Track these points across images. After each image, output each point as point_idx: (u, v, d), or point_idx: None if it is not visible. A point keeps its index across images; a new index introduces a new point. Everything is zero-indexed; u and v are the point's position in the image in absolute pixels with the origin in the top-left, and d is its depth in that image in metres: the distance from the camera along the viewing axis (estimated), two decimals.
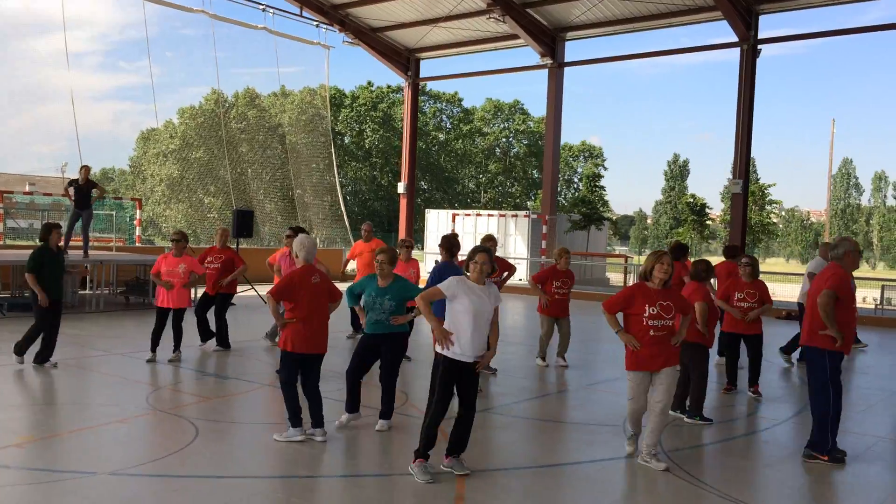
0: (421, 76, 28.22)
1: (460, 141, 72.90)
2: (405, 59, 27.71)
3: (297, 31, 32.89)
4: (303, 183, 28.15)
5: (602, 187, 28.41)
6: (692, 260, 9.49)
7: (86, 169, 14.63)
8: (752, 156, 21.51)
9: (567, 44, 24.85)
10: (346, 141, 68.67)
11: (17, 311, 13.75)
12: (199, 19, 22.27)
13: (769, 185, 32.04)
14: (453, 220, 24.73)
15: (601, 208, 28.40)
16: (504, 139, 76.30)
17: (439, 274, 8.42)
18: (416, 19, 25.02)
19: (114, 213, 19.16)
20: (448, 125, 73.84)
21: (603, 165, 78.70)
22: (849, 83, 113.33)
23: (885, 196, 79.01)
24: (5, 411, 7.19)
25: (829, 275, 6.36)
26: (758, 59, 21.21)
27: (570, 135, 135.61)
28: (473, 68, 77.37)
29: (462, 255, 9.00)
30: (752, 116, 21.28)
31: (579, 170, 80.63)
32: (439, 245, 8.79)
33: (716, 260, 11.62)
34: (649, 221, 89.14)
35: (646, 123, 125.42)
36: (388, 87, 71.43)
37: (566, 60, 24.82)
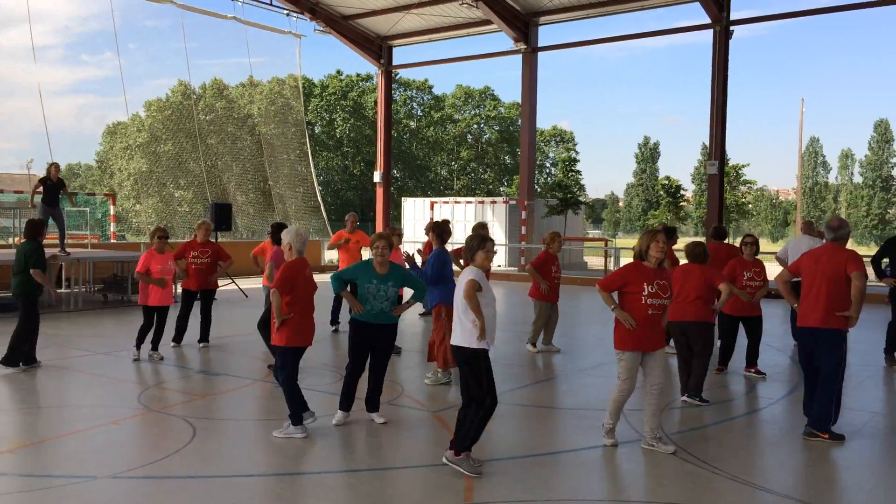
0: (394, 64, 28.01)
1: (431, 128, 72.67)
2: (377, 47, 27.49)
3: (267, 20, 32.41)
4: (277, 174, 27.84)
5: (578, 171, 28.43)
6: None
7: (55, 166, 14.31)
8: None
9: (540, 28, 24.81)
10: (317, 130, 68.06)
11: None
12: (164, 10, 21.86)
13: (743, 166, 32.33)
14: (432, 208, 24.62)
15: (577, 192, 28.39)
16: (475, 126, 76.14)
17: (441, 262, 8.37)
18: (388, 6, 24.81)
19: (87, 209, 18.81)
20: (419, 113, 73.52)
21: (574, 150, 78.91)
22: (813, 63, 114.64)
23: (852, 173, 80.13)
24: None
25: (844, 257, 6.39)
26: (730, 41, 21.36)
27: (542, 120, 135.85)
28: (445, 55, 76.90)
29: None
30: (727, 98, 21.42)
31: (551, 154, 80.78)
32: (431, 231, 8.68)
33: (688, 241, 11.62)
34: (621, 204, 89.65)
35: (614, 107, 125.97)
36: (358, 75, 70.88)
37: (539, 45, 24.76)
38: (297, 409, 6.41)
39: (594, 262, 29.46)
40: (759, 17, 21.88)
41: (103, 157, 58.65)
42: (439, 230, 8.59)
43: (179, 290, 10.89)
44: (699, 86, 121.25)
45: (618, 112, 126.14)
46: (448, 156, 75.65)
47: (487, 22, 24.60)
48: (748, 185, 33.10)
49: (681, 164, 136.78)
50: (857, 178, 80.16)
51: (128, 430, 6.63)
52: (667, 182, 31.95)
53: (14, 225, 20.41)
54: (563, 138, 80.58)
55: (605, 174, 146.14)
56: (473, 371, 5.58)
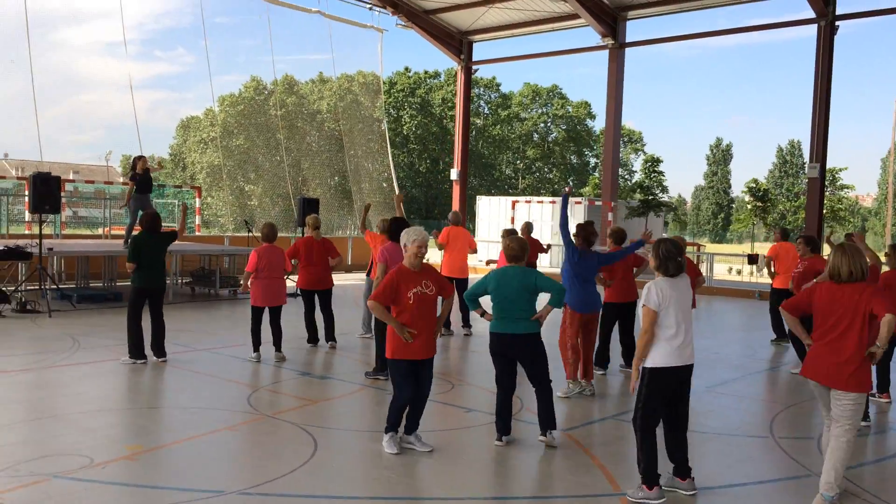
0: (473, 59, 27.49)
1: (498, 126, 72.00)
2: (458, 42, 27.01)
3: (349, 15, 32.03)
4: (358, 169, 27.62)
5: (661, 172, 27.45)
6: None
7: (143, 160, 14.21)
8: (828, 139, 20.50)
9: (627, 23, 23.98)
10: (383, 127, 68.18)
11: (87, 302, 13.38)
12: (237, 6, 21.76)
13: (840, 170, 30.77)
14: (513, 208, 24.04)
15: (660, 194, 27.44)
16: (542, 124, 75.24)
17: (584, 264, 7.89)
18: (472, 0, 24.29)
19: (176, 202, 18.77)
20: (486, 110, 72.93)
21: (643, 150, 77.39)
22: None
23: None
24: (105, 416, 6.69)
25: None
26: (835, 37, 20.23)
27: (605, 119, 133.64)
28: (520, 51, 76.32)
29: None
30: (830, 97, 20.28)
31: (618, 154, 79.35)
32: (577, 236, 8.11)
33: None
34: (688, 207, 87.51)
35: (679, 107, 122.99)
36: (426, 72, 70.77)
37: (627, 41, 23.93)
38: (392, 422, 5.98)
39: None
40: (866, 11, 20.65)
41: (177, 150, 59.63)
42: (585, 232, 8.06)
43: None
44: (773, 85, 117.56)
45: (683, 112, 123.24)
46: (514, 154, 74.97)
47: (573, 17, 23.88)
48: (845, 189, 31.56)
49: (753, 167, 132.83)
50: None
51: (245, 438, 6.24)
52: (754, 185, 30.63)
53: (99, 214, 20.55)
54: (632, 138, 79.06)
55: (670, 176, 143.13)
56: (644, 387, 5.05)
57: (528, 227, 11.97)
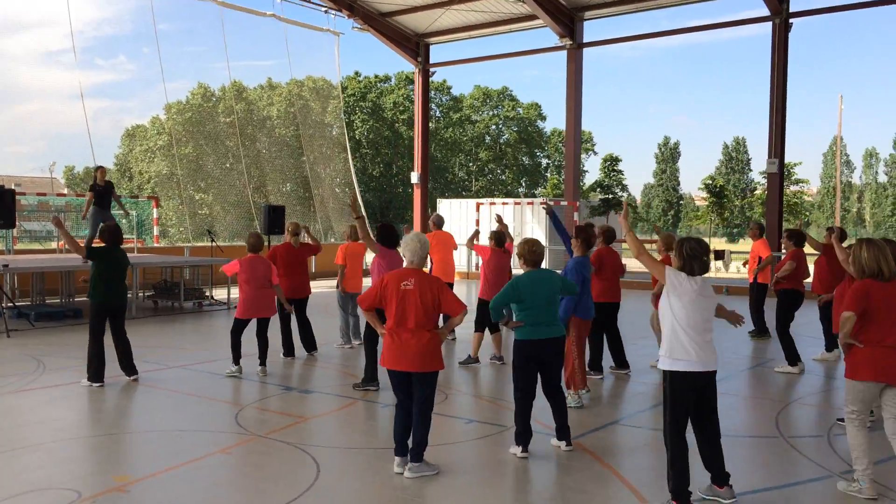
0: (431, 62, 27.25)
1: (450, 129, 71.93)
2: (415, 45, 26.76)
3: (304, 18, 31.60)
4: (319, 175, 27.18)
5: (620, 171, 27.57)
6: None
7: (101, 170, 13.64)
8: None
9: (585, 24, 24.02)
10: (335, 132, 67.53)
11: (45, 320, 12.75)
12: (184, 12, 21.17)
13: (795, 164, 31.33)
14: (478, 210, 23.84)
15: (619, 192, 27.55)
16: (493, 126, 75.45)
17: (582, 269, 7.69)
18: (428, 2, 24.06)
19: (134, 212, 18.08)
20: (438, 113, 72.80)
21: (593, 150, 78.09)
22: (838, 60, 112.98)
23: (876, 173, 79.04)
24: (83, 444, 6.25)
25: None
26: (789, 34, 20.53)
27: (556, 121, 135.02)
28: (478, 53, 76.27)
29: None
30: (786, 94, 20.58)
31: None
32: (575, 237, 7.90)
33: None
34: (638, 204, 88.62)
35: (625, 108, 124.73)
36: (377, 76, 70.33)
37: (585, 41, 23.96)
38: (399, 437, 5.61)
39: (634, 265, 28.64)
40: (818, 8, 21.00)
41: (122, 160, 58.14)
42: (585, 234, 7.85)
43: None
44: (716, 84, 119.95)
45: (629, 112, 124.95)
46: (466, 157, 74.95)
47: (530, 17, 23.83)
48: (802, 183, 32.22)
49: (700, 165, 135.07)
50: (882, 178, 79.07)
51: (241, 461, 5.87)
52: (710, 182, 31.06)
53: (50, 227, 19.70)
54: (582, 138, 79.81)
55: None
56: (668, 396, 4.86)
57: (439, 220, 11.86)
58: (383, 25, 25.46)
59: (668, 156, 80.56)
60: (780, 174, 20.82)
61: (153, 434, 6.58)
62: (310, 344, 10.17)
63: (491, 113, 75.52)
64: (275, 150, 46.51)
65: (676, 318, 4.79)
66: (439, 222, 11.83)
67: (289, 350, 9.96)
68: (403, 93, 71.58)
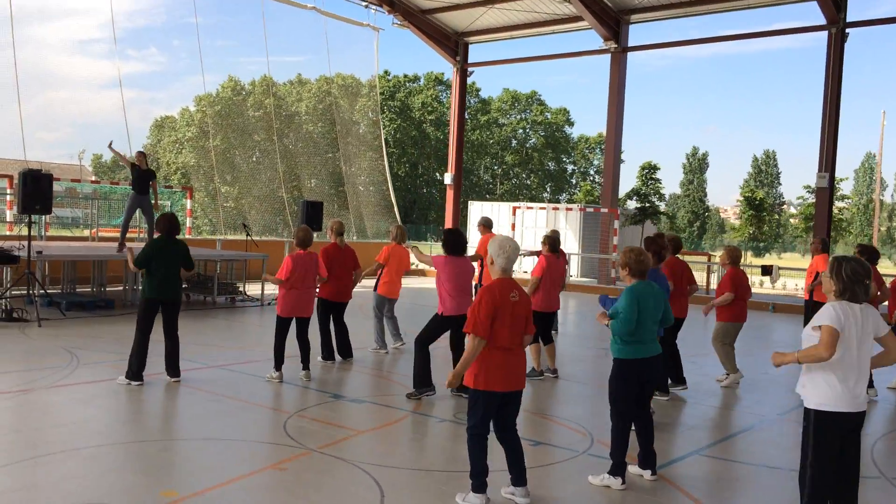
0: (469, 62, 26.75)
1: (477, 131, 71.46)
2: (453, 44, 26.28)
3: (345, 13, 31.14)
4: (354, 171, 26.81)
5: (658, 179, 26.89)
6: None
7: (143, 155, 13.24)
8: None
9: (630, 27, 23.44)
10: (362, 130, 67.30)
11: (77, 310, 12.37)
12: (215, 5, 20.80)
13: (840, 180, 30.45)
14: (514, 213, 23.32)
15: (656, 201, 26.89)
16: (521, 130, 74.95)
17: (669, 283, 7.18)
18: (471, 0, 23.57)
19: (168, 202, 17.70)
20: (466, 115, 72.29)
21: (620, 158, 77.28)
22: (880, 74, 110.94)
23: None
24: (123, 451, 5.79)
25: None
26: (845, 44, 19.84)
27: (584, 126, 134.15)
28: (513, 55, 75.86)
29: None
30: (839, 106, 19.88)
31: (595, 162, 79.30)
32: (646, 249, 7.36)
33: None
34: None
35: (652, 116, 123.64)
36: (405, 76, 70.04)
37: (630, 45, 23.38)
38: (482, 472, 4.96)
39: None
40: (877, 19, 20.29)
41: (150, 151, 58.11)
42: (656, 246, 7.32)
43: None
44: (747, 95, 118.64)
45: (655, 120, 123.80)
46: (492, 160, 74.44)
47: (575, 19, 23.28)
48: (846, 199, 31.39)
49: (724, 178, 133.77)
50: None
51: (299, 479, 5.36)
52: (750, 195, 30.27)
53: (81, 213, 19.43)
54: None
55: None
56: (812, 433, 4.26)
57: (488, 222, 11.27)
58: (423, 22, 25.01)
59: (696, 166, 79.48)
60: (829, 189, 20.12)
61: (199, 443, 6.10)
62: (346, 350, 9.69)
63: (519, 117, 75.04)
64: (301, 146, 46.20)
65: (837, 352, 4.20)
66: (489, 224, 11.27)
67: (329, 353, 9.48)
68: (432, 93, 71.20)
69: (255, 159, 47.76)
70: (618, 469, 5.37)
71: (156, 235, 8.22)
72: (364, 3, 23.84)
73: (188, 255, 8.24)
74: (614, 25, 22.83)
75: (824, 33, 19.92)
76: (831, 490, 4.26)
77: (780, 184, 78.67)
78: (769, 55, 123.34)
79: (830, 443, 4.23)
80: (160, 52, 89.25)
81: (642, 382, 5.51)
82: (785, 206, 79.15)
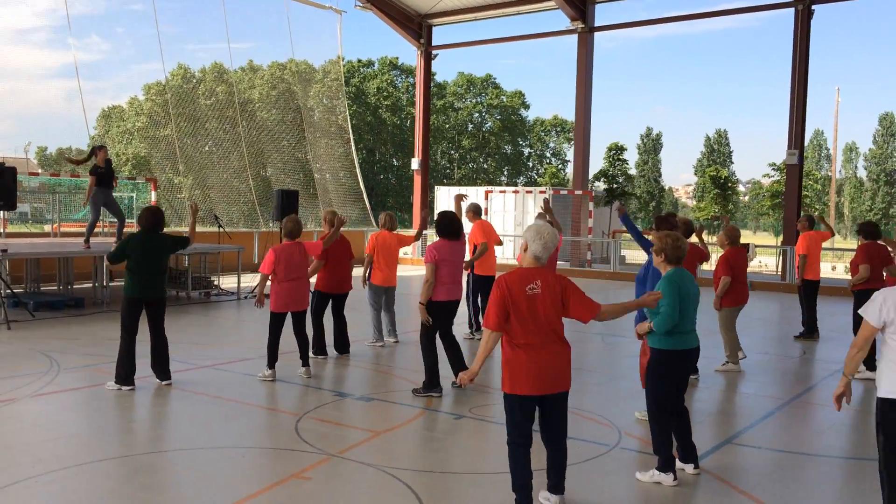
0: (433, 44, 26.29)
1: (433, 116, 70.94)
2: (417, 26, 25.77)
3: None
4: (322, 157, 26.23)
5: (625, 160, 26.82)
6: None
7: (103, 150, 12.55)
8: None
9: (596, 7, 23.24)
10: (317, 117, 66.24)
11: (45, 310, 11.72)
12: None
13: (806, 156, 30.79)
14: (487, 198, 23.03)
15: (624, 182, 26.81)
16: (476, 114, 74.71)
17: None
18: None
19: (133, 195, 16.94)
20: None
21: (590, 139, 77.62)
22: (820, 54, 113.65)
23: (856, 167, 79.46)
24: (129, 465, 5.33)
25: None
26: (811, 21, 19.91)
27: (539, 108, 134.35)
28: (477, 36, 75.45)
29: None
30: (807, 82, 19.97)
31: (551, 144, 79.46)
32: (656, 229, 7.05)
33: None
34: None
35: (602, 97, 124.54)
36: (359, 61, 69.12)
37: (597, 24, 23.18)
38: (521, 487, 4.49)
39: (636, 257, 28.07)
40: None
41: (98, 142, 56.42)
42: (668, 227, 6.97)
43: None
44: (688, 77, 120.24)
45: (606, 102, 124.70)
46: (448, 144, 74.04)
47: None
48: (809, 175, 31.83)
49: (681, 158, 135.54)
50: (861, 172, 79.57)
51: (328, 489, 4.97)
52: (715, 173, 30.43)
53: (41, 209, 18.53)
54: (564, 128, 79.10)
55: (597, 165, 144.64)
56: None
57: (476, 209, 10.76)
58: (386, 4, 24.46)
59: (651, 147, 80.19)
60: (800, 165, 20.23)
61: (210, 453, 5.67)
62: (343, 345, 9.30)
63: (475, 100, 74.76)
64: (265, 134, 45.24)
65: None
66: (477, 211, 10.86)
67: (320, 348, 9.08)
68: (387, 78, 70.46)
69: (207, 148, 46.55)
70: (667, 465, 5.11)
71: (135, 229, 7.70)
72: None
73: (176, 246, 7.74)
74: (581, 5, 22.59)
75: (783, 11, 20.07)
76: None
77: (733, 162, 79.77)
78: (713, 35, 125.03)
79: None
80: (103, 41, 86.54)
81: (683, 376, 5.25)
82: (736, 185, 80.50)
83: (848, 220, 78.32)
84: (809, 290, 11.36)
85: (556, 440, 4.59)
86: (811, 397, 7.87)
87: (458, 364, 7.49)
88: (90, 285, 13.73)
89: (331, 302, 9.15)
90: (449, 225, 7.55)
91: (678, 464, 5.33)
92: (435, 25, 26.06)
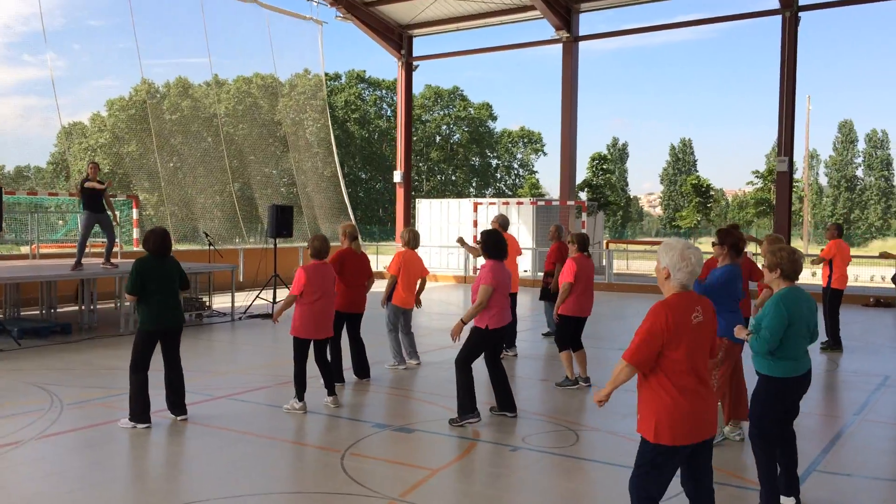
0: (414, 55, 25.84)
1: None
2: (397, 37, 25.31)
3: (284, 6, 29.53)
4: (306, 170, 25.59)
5: (609, 171, 26.59)
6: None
7: (94, 167, 11.84)
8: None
9: (581, 16, 23.00)
10: (309, 129, 65.46)
11: (31, 337, 10.94)
12: (110, 9, 19.23)
13: (771, 168, 30.80)
14: (475, 210, 22.58)
15: (608, 192, 26.59)
16: (444, 126, 74.54)
17: (729, 279, 6.34)
18: None
19: (118, 212, 16.13)
20: (389, 113, 71.47)
21: (542, 151, 77.71)
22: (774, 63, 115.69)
23: (817, 174, 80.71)
24: None
25: None
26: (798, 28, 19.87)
27: (507, 121, 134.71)
28: (463, 47, 75.22)
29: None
30: (795, 89, 19.90)
31: (519, 155, 79.46)
32: (721, 244, 6.54)
33: None
34: (584, 205, 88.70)
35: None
36: (327, 74, 68.48)
37: (581, 34, 22.94)
38: None
39: (637, 266, 27.84)
40: (829, 2, 20.38)
41: (58, 159, 54.91)
42: (732, 239, 6.49)
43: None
44: (659, 86, 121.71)
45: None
46: (417, 157, 73.65)
47: (525, 8, 22.65)
48: (795, 183, 31.96)
49: (649, 167, 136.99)
50: (822, 179, 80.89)
51: None
52: (696, 181, 30.40)
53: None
54: (531, 139, 79.16)
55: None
56: None
57: (504, 221, 10.24)
58: (366, 15, 23.96)
59: (617, 156, 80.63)
60: (789, 172, 20.13)
61: (254, 500, 5.06)
62: (362, 369, 8.72)
63: (442, 112, 74.59)
64: (247, 146, 44.43)
65: None
66: (505, 224, 10.26)
67: (340, 375, 8.49)
68: (355, 91, 70.01)
69: (172, 165, 45.48)
70: (772, 499, 4.65)
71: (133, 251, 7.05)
72: None
73: (184, 274, 7.12)
74: (565, 14, 22.32)
75: (771, 18, 20.03)
76: None
77: (697, 171, 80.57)
78: (672, 47, 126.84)
79: None
80: (59, 57, 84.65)
81: (793, 403, 4.80)
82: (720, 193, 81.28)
83: (810, 227, 79.39)
84: (835, 300, 11.10)
85: (708, 486, 3.95)
86: (868, 414, 7.50)
87: (503, 392, 6.99)
88: (75, 308, 12.94)
89: (345, 324, 8.59)
90: (496, 244, 7.01)
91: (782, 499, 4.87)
92: (415, 36, 25.62)
